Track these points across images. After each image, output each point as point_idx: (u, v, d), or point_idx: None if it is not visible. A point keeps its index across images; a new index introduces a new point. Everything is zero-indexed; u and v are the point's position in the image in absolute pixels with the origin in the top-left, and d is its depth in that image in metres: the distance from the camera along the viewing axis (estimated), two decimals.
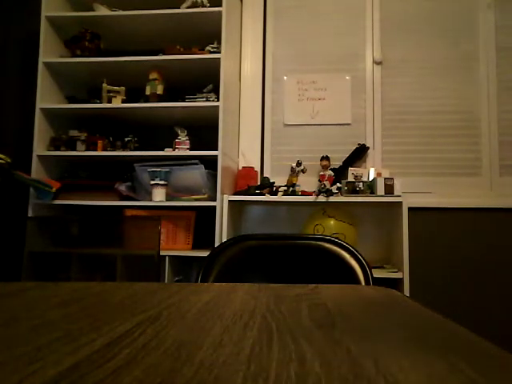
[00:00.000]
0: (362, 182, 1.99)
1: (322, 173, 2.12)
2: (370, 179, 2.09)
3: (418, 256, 2.12)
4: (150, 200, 1.99)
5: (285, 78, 2.41)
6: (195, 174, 2.00)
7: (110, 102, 2.09)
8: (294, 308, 0.51)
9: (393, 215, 2.09)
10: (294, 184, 2.06)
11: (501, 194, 2.20)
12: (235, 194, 2.10)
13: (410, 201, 1.96)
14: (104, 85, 2.09)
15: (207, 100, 2.04)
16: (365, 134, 2.31)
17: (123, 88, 2.11)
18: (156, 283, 0.74)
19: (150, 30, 2.21)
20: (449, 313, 2.09)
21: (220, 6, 2.02)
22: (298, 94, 2.38)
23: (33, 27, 2.11)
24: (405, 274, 1.81)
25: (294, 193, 2.03)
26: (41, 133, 2.07)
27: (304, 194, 2.05)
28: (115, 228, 2.00)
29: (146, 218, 2.05)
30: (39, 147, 2.05)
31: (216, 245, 1.84)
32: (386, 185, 1.95)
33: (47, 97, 2.12)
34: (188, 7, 2.10)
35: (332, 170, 2.14)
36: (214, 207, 1.94)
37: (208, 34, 2.13)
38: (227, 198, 1.97)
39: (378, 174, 2.11)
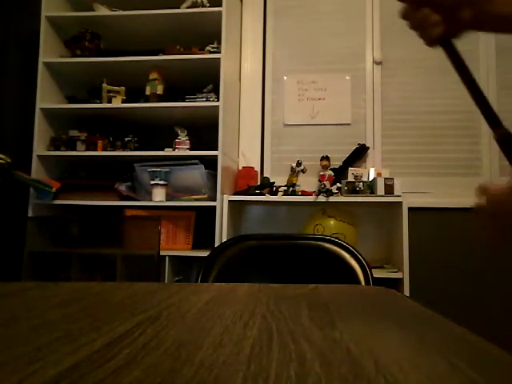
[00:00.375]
0: (362, 181, 1.99)
1: (322, 173, 2.11)
2: (370, 179, 2.09)
3: (418, 256, 2.12)
4: (150, 200, 1.99)
5: (285, 78, 2.41)
6: (195, 174, 2.00)
7: (110, 102, 2.09)
8: (294, 308, 0.51)
9: (393, 215, 2.09)
10: (294, 184, 2.06)
11: None
12: (235, 194, 2.10)
13: (409, 201, 1.96)
14: (104, 85, 2.09)
15: (207, 100, 2.04)
16: (365, 134, 2.31)
17: (123, 88, 2.11)
18: (156, 283, 0.74)
19: (150, 30, 2.20)
20: (449, 313, 2.09)
21: (220, 6, 2.02)
22: (298, 94, 2.38)
23: (33, 27, 2.11)
24: (405, 274, 1.81)
25: (294, 193, 2.03)
26: (41, 133, 2.07)
27: (304, 193, 2.05)
28: (115, 228, 2.00)
29: (146, 217, 2.05)
30: (39, 147, 2.05)
31: (216, 245, 1.84)
32: (385, 185, 1.95)
33: (47, 97, 2.12)
34: (188, 7, 2.10)
35: (332, 170, 2.14)
36: (214, 207, 1.94)
37: (208, 34, 2.13)
38: (227, 197, 1.97)
39: (378, 174, 2.11)
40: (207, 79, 2.07)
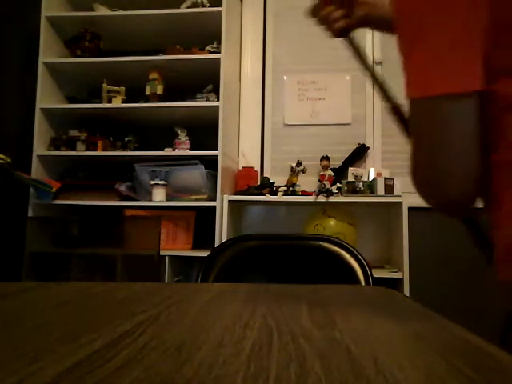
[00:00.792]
0: (362, 181, 1.99)
1: (322, 173, 2.11)
2: (370, 179, 2.09)
3: (418, 256, 2.12)
4: (150, 200, 1.98)
5: (285, 78, 2.41)
6: (195, 174, 2.00)
7: (110, 102, 2.09)
8: (293, 308, 0.51)
9: (393, 215, 2.09)
10: (294, 184, 2.06)
11: None
12: (235, 194, 2.10)
13: (409, 201, 1.95)
14: (104, 85, 2.09)
15: (207, 100, 2.04)
16: (365, 134, 2.31)
17: (123, 88, 2.11)
18: (156, 283, 0.74)
19: (150, 30, 2.20)
20: (448, 313, 2.09)
21: (220, 6, 2.02)
22: (298, 94, 2.38)
23: (33, 27, 2.11)
24: (405, 274, 1.81)
25: (294, 193, 2.03)
26: (41, 133, 2.07)
27: (304, 193, 2.05)
28: (115, 228, 2.00)
29: (145, 218, 2.05)
30: (39, 147, 2.05)
31: (216, 245, 1.84)
32: (386, 185, 1.95)
33: (47, 97, 2.12)
34: (188, 7, 2.10)
35: (332, 170, 2.14)
36: (214, 207, 1.94)
37: (208, 34, 2.12)
38: (227, 197, 1.97)
39: (378, 174, 2.11)
40: (207, 79, 2.07)
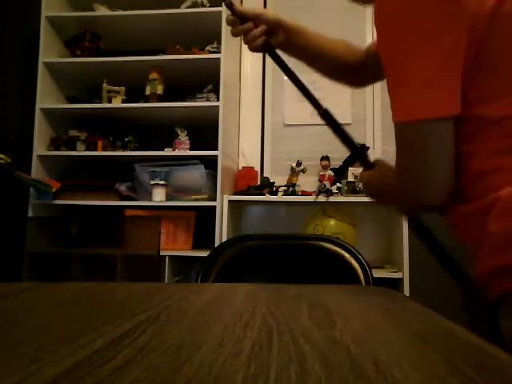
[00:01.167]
0: None
1: (322, 173, 2.11)
2: None
3: (418, 256, 2.12)
4: (150, 200, 1.98)
5: (285, 77, 2.40)
6: (195, 174, 2.00)
7: (110, 101, 2.09)
8: (294, 308, 0.51)
9: (393, 215, 2.09)
10: (294, 184, 2.06)
11: None
12: (235, 194, 2.09)
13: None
14: (104, 85, 2.09)
15: (207, 100, 2.04)
16: (365, 134, 2.31)
17: (123, 88, 2.11)
18: (156, 283, 0.74)
19: (150, 30, 2.20)
20: (448, 313, 2.09)
21: (220, 6, 2.01)
22: (298, 93, 2.37)
23: (33, 27, 2.11)
24: (405, 274, 1.81)
25: (294, 193, 2.03)
26: (41, 133, 2.07)
27: (304, 194, 2.05)
28: (115, 228, 2.00)
29: (145, 218, 2.05)
30: (39, 147, 2.05)
31: (216, 245, 1.84)
32: None
33: (47, 97, 2.12)
34: (188, 7, 2.10)
35: (332, 170, 2.14)
36: (214, 207, 1.94)
37: (208, 34, 2.12)
38: (227, 197, 1.97)
39: None
40: (207, 79, 2.07)
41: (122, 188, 2.07)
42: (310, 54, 0.92)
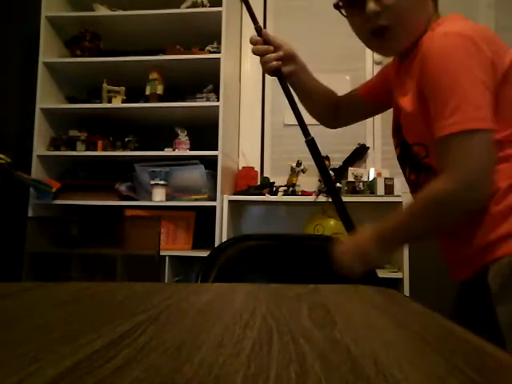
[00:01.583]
0: (362, 182, 1.99)
1: None
2: (370, 179, 2.09)
3: (418, 256, 2.12)
4: (150, 200, 1.98)
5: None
6: (195, 174, 2.00)
7: (110, 101, 2.09)
8: (294, 308, 0.51)
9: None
10: (294, 184, 2.06)
11: None
12: (235, 194, 2.10)
13: (410, 201, 1.95)
14: (104, 85, 2.09)
15: (207, 100, 2.04)
16: (365, 134, 2.31)
17: (123, 88, 2.11)
18: (156, 283, 0.74)
19: (150, 30, 2.20)
20: (448, 313, 2.09)
21: (220, 6, 2.02)
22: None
23: (33, 27, 2.11)
24: (405, 274, 1.81)
25: (294, 193, 2.03)
26: (41, 133, 2.07)
27: (304, 194, 2.05)
28: (115, 228, 2.00)
29: (145, 218, 2.05)
30: (39, 147, 2.05)
31: (216, 245, 1.84)
32: (386, 185, 1.95)
33: (47, 97, 2.12)
34: (188, 7, 2.10)
35: (332, 170, 2.14)
36: (214, 207, 1.94)
37: (208, 34, 2.12)
38: (227, 197, 1.97)
39: (378, 174, 2.11)
40: (207, 79, 2.07)
41: (122, 188, 2.07)
42: (306, 90, 1.12)
